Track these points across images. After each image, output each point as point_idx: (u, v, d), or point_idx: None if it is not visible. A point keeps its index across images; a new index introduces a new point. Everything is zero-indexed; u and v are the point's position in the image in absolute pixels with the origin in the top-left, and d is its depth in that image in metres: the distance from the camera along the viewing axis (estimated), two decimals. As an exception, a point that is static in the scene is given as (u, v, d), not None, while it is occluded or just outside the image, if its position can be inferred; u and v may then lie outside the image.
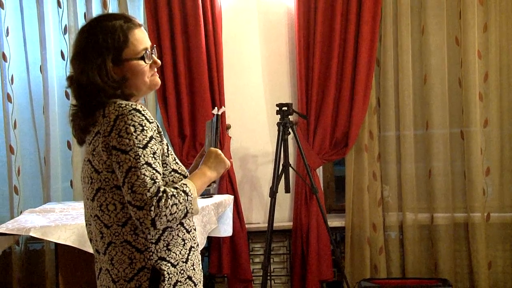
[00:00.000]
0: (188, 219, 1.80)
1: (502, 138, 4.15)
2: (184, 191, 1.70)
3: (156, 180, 1.65)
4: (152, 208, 1.61)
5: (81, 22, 4.08)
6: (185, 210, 1.70)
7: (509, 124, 4.15)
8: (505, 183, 4.17)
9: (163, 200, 1.63)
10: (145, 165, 1.64)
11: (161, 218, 1.63)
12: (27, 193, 4.14)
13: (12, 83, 4.07)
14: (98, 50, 1.74)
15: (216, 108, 1.98)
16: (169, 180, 1.75)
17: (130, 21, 1.80)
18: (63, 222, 2.96)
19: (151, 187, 1.62)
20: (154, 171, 1.65)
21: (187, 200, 1.70)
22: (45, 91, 4.07)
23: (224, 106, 1.99)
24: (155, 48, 1.87)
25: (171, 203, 1.65)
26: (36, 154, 4.14)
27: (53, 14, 4.10)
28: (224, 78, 4.09)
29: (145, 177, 1.63)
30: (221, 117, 1.96)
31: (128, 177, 1.63)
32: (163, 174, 1.74)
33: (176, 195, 1.67)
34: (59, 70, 4.12)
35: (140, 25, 1.83)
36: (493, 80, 4.11)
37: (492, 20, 4.09)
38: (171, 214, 1.65)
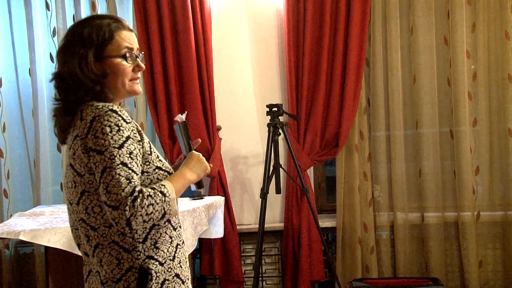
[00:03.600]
0: (174, 216, 1.80)
1: (491, 137, 4.17)
2: (161, 192, 1.69)
3: (132, 180, 1.64)
4: (127, 208, 1.61)
5: (70, 25, 4.05)
6: (163, 211, 1.69)
7: (498, 123, 4.17)
8: (495, 181, 4.19)
9: (138, 200, 1.62)
10: (120, 165, 1.63)
11: (136, 218, 1.62)
12: (16, 196, 4.13)
13: (0, 86, 4.06)
14: (81, 42, 1.76)
15: (179, 115, 1.98)
16: (154, 178, 1.75)
17: (119, 22, 1.83)
18: (53, 225, 2.95)
19: (126, 187, 1.62)
20: (130, 171, 1.64)
21: (165, 201, 1.68)
22: (34, 94, 4.06)
23: (186, 111, 2.01)
24: (143, 54, 1.88)
25: (147, 203, 1.64)
26: (26, 157, 4.13)
27: (41, 16, 4.09)
28: (214, 79, 4.09)
29: (120, 177, 1.62)
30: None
31: (103, 177, 1.63)
32: (148, 172, 1.74)
33: (153, 196, 1.66)
34: (48, 73, 4.08)
35: (130, 29, 1.84)
36: (481, 80, 4.13)
37: (480, 20, 4.11)
38: (147, 214, 1.64)
